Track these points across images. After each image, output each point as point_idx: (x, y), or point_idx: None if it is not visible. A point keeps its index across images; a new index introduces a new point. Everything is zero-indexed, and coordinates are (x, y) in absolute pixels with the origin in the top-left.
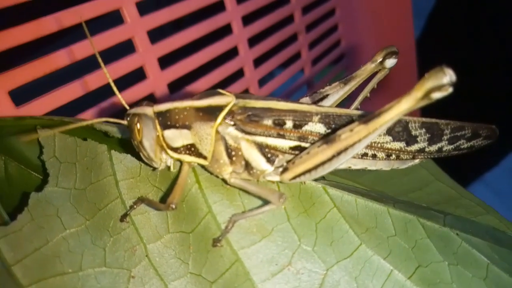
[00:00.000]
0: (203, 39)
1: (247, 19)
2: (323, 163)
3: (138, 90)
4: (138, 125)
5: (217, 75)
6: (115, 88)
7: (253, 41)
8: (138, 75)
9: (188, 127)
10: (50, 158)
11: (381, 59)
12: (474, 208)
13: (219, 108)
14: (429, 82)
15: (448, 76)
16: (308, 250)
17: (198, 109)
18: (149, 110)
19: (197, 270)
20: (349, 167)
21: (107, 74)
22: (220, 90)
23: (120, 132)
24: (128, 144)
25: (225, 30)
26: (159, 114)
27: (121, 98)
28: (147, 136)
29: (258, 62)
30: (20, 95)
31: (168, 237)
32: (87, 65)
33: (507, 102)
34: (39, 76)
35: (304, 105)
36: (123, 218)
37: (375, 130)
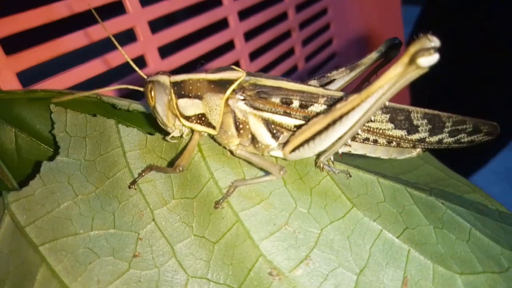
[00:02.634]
0: (201, 32)
1: (243, 15)
2: (319, 133)
3: (138, 78)
4: (152, 91)
5: (215, 66)
6: (132, 63)
7: (249, 35)
8: (139, 64)
9: (200, 97)
10: (60, 133)
11: (385, 50)
12: (461, 187)
13: (230, 82)
14: (414, 46)
15: (432, 42)
16: (303, 212)
17: (210, 82)
18: (162, 78)
19: (201, 232)
20: (349, 151)
21: (123, 52)
22: (234, 66)
23: (128, 105)
24: (134, 118)
25: (222, 24)
26: (174, 84)
27: (139, 70)
28: (159, 101)
29: (253, 56)
30: (27, 81)
31: (173, 203)
32: (91, 51)
33: (491, 104)
34: (45, 59)
35: (311, 87)
36: (131, 185)
37: (367, 98)
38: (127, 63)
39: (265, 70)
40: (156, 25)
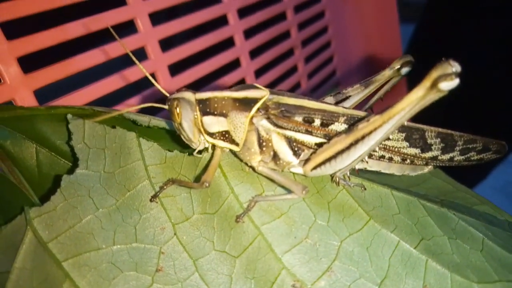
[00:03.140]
0: (208, 51)
1: (248, 34)
2: (341, 152)
3: (150, 94)
4: (178, 108)
5: (221, 83)
6: (154, 81)
7: (254, 53)
8: (148, 82)
9: (225, 115)
10: (78, 144)
11: (398, 67)
12: (470, 199)
13: (254, 100)
14: (436, 71)
15: (453, 67)
16: (323, 225)
17: (235, 100)
18: (187, 95)
19: (222, 247)
20: (365, 168)
21: (144, 70)
22: (256, 85)
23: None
24: (154, 134)
25: (229, 43)
26: (200, 101)
27: (160, 88)
28: (186, 117)
29: (258, 73)
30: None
31: (194, 218)
32: (104, 70)
33: (486, 119)
34: (60, 77)
35: (332, 106)
36: (153, 198)
37: (390, 119)
38: (140, 80)
39: (271, 87)
40: (161, 43)
